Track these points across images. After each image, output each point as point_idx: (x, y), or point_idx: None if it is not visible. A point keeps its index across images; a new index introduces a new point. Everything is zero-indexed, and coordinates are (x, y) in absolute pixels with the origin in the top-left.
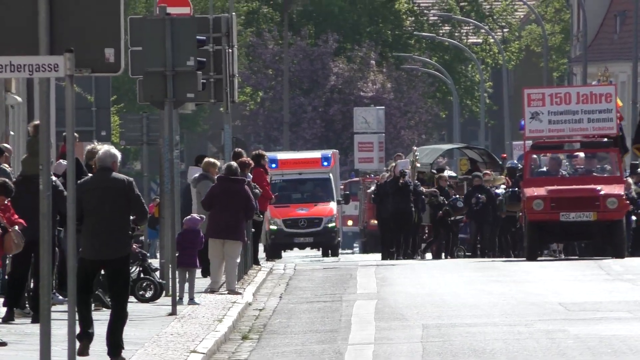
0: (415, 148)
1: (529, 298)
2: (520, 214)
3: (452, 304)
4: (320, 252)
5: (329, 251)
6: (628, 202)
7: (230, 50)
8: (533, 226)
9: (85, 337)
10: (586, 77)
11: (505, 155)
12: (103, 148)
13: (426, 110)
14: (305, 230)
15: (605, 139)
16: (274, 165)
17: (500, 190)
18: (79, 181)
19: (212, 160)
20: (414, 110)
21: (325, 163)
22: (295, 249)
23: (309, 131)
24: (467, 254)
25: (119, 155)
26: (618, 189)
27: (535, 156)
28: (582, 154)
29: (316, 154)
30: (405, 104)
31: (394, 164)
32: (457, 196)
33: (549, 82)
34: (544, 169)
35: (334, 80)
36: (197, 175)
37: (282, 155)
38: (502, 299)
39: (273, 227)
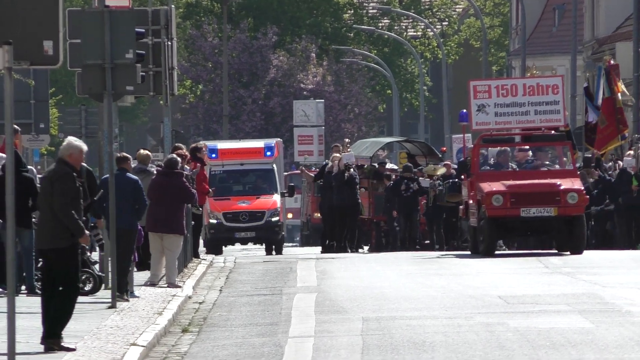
0: (347, 140)
1: (469, 291)
2: (462, 206)
3: (392, 297)
4: (263, 247)
5: (273, 247)
6: (587, 196)
7: (169, 43)
8: (492, 221)
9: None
10: (524, 71)
11: (445, 148)
12: (67, 139)
13: (366, 103)
14: (246, 225)
15: (553, 132)
16: (214, 155)
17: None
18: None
19: (146, 152)
20: (354, 103)
21: (269, 153)
22: (237, 244)
23: (248, 124)
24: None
25: (78, 148)
26: (577, 184)
27: (483, 150)
28: (527, 147)
29: (259, 144)
30: (346, 97)
31: (337, 155)
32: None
33: (488, 75)
34: (491, 162)
35: (274, 72)
36: (134, 165)
37: (222, 145)
38: (442, 292)
39: (213, 220)
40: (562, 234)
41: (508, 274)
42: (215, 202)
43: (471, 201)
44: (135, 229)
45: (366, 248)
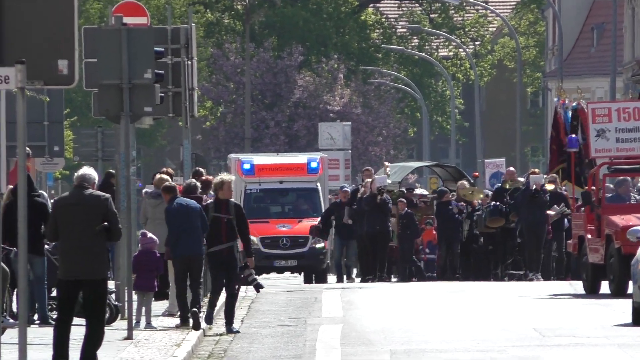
0: (387, 164)
1: (501, 323)
2: (570, 240)
3: (421, 329)
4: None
5: (313, 276)
6: None
7: (189, 63)
8: (625, 259)
9: None
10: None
11: (477, 173)
12: (83, 168)
13: (394, 125)
14: (287, 252)
15: None
16: (249, 171)
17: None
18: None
19: (164, 177)
20: (382, 126)
21: (312, 170)
22: (273, 274)
23: (271, 147)
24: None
25: (96, 177)
26: None
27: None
28: None
29: (301, 159)
30: (374, 119)
31: (369, 180)
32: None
33: (523, 98)
34: (610, 193)
35: (299, 93)
36: (150, 190)
37: (259, 160)
38: (474, 323)
39: None
40: None
41: (543, 305)
42: (251, 225)
43: (589, 235)
44: (202, 254)
45: (394, 278)
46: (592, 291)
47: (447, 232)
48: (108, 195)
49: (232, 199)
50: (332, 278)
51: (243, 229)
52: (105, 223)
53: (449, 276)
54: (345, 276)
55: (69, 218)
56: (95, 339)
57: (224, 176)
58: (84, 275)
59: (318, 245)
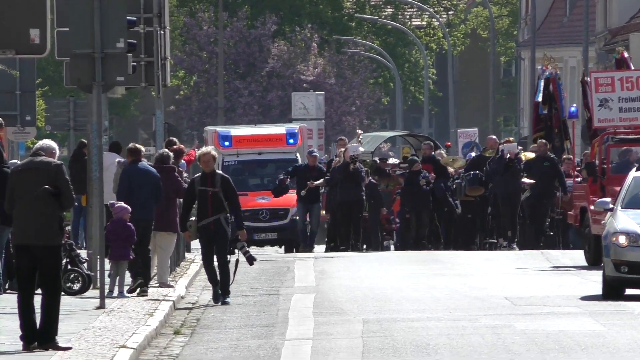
0: (360, 132)
1: (474, 292)
2: (571, 212)
3: (394, 298)
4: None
5: (294, 249)
6: None
7: (162, 32)
8: None
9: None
10: (534, 62)
11: (449, 143)
12: (44, 140)
13: (368, 95)
14: (267, 224)
15: None
16: (227, 143)
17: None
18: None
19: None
20: (356, 96)
21: (291, 140)
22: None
23: (244, 117)
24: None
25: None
26: None
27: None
28: None
29: (279, 129)
30: (347, 89)
31: (342, 150)
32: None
33: (496, 67)
34: (613, 163)
35: (273, 62)
36: (122, 160)
37: (237, 131)
38: (446, 293)
39: None
40: None
41: (515, 274)
42: None
43: (592, 207)
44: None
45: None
46: (594, 263)
47: (415, 202)
48: (60, 162)
49: (219, 171)
50: (319, 248)
51: (232, 201)
52: (47, 186)
53: (415, 246)
54: (307, 242)
55: (20, 184)
56: (49, 308)
57: (202, 150)
58: (33, 240)
59: (299, 217)
